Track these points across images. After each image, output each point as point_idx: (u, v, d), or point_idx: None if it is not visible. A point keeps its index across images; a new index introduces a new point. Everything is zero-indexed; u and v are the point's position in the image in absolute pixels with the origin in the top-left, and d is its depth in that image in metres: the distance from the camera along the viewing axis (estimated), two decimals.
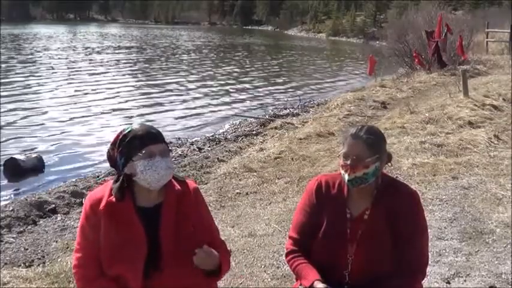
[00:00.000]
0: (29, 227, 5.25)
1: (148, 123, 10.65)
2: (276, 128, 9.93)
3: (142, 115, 12.13)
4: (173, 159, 8.12)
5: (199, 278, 2.04)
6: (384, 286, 2.05)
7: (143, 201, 2.04)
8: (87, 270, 2.02)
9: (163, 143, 2.02)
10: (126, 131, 2.01)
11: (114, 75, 19.28)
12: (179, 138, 9.74)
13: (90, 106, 12.92)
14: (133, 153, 1.97)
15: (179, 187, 2.07)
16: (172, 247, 1.99)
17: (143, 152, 1.96)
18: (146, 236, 1.99)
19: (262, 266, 3.82)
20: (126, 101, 13.87)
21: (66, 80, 17.54)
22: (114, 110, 12.62)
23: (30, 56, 25.59)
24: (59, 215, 5.62)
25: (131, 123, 2.08)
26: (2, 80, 16.49)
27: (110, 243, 1.98)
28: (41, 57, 25.42)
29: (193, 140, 9.72)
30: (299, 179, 5.94)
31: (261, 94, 16.11)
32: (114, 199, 1.99)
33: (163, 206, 2.03)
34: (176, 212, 2.03)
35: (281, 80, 19.74)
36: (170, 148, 9.25)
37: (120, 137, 2.01)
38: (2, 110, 11.79)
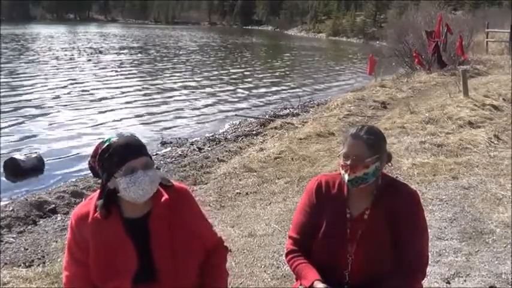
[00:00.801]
0: (29, 227, 5.26)
1: (146, 125, 10.83)
2: (276, 128, 9.93)
3: (142, 115, 12.14)
4: (173, 159, 8.13)
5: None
6: (384, 286, 2.05)
7: (130, 213, 1.96)
8: (77, 286, 1.97)
9: (145, 155, 1.90)
10: (105, 145, 1.90)
11: (115, 75, 19.28)
12: (179, 138, 9.75)
13: (90, 106, 12.93)
14: (113, 170, 1.87)
15: (167, 196, 1.97)
16: (166, 257, 1.92)
17: (124, 168, 1.86)
18: (136, 249, 1.92)
19: (262, 266, 3.81)
20: (127, 101, 13.87)
21: (68, 80, 17.52)
22: (114, 109, 12.62)
23: (32, 57, 25.57)
24: (59, 215, 5.64)
25: (111, 136, 1.94)
26: (3, 80, 16.49)
27: (99, 259, 1.92)
28: (43, 57, 25.40)
29: (193, 140, 9.73)
30: (299, 179, 5.94)
31: (261, 94, 16.12)
32: (99, 216, 1.92)
33: (151, 216, 1.95)
34: (168, 223, 1.94)
35: (281, 80, 19.74)
36: (170, 148, 9.25)
37: (99, 151, 1.91)
38: (2, 109, 11.79)
